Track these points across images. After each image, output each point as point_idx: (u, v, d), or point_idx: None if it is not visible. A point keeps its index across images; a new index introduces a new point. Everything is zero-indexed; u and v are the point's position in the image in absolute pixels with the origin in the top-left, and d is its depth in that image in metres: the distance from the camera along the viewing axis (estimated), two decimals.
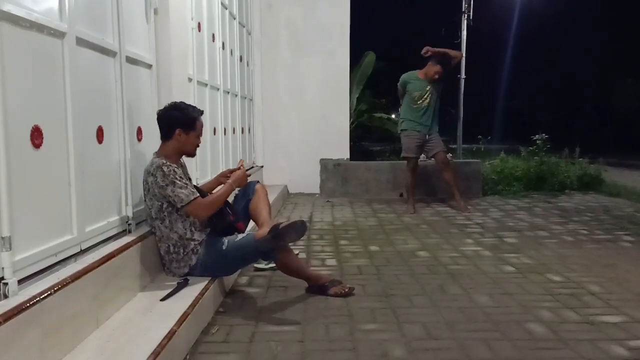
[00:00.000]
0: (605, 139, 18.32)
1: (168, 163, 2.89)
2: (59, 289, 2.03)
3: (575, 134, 13.53)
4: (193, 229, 2.98)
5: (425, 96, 6.19)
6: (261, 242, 2.92)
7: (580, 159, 8.48)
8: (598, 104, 22.22)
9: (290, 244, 3.15)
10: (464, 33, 12.25)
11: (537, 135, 8.32)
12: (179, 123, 2.98)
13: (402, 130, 6.38)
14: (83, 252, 2.47)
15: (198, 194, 2.92)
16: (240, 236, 3.03)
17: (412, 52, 7.27)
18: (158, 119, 3.04)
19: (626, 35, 20.01)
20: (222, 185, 3.19)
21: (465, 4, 12.24)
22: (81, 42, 2.49)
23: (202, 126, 3.12)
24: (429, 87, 6.20)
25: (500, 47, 26.39)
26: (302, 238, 3.37)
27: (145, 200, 2.98)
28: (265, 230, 2.96)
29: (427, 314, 2.93)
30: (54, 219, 2.26)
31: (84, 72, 2.52)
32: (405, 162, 6.41)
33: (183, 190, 2.84)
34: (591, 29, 20.75)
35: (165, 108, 3.06)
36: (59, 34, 2.32)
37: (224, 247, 2.97)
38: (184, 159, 3.16)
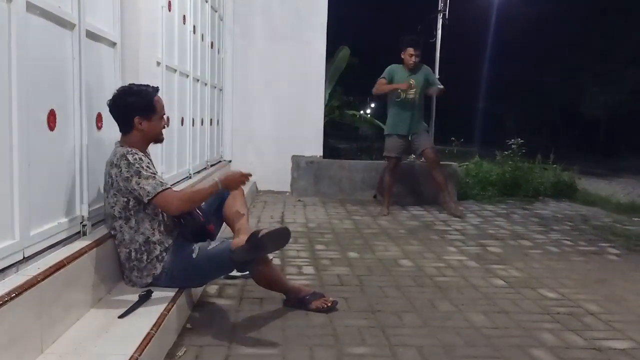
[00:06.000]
0: (572, 145, 18.60)
1: (133, 151, 2.50)
2: None
3: (544, 140, 13.61)
4: (161, 230, 2.59)
5: (410, 89, 5.68)
6: (237, 254, 2.52)
7: (555, 165, 8.37)
8: (565, 110, 22.57)
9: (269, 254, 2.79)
10: (439, 32, 12.04)
11: (512, 140, 8.16)
12: (137, 109, 2.56)
13: (385, 134, 5.98)
14: (27, 259, 2.06)
15: (169, 185, 2.53)
16: (213, 244, 2.65)
17: (385, 50, 6.89)
18: (111, 109, 2.61)
19: (595, 42, 20.34)
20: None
21: (441, 2, 12.02)
22: (32, 8, 2.08)
23: (162, 106, 2.69)
24: (412, 79, 5.70)
25: (476, 48, 26.49)
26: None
27: (106, 197, 2.57)
28: (242, 239, 2.56)
29: (420, 335, 2.63)
30: None
31: (34, 44, 2.11)
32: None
33: (150, 181, 2.44)
34: (562, 34, 21.03)
35: (115, 96, 2.60)
36: None
37: (193, 256, 2.59)
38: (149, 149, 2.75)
